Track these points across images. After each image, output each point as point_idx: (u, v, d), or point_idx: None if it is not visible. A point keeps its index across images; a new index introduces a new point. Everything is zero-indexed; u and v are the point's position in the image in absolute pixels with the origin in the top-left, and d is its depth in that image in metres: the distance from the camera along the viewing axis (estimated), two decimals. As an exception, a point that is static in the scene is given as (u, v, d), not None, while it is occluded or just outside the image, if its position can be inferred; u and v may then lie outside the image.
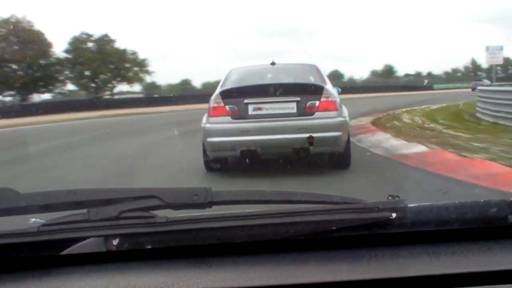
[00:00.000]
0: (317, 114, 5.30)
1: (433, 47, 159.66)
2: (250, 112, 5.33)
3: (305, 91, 5.36)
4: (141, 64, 54.19)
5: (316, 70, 6.37)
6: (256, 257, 0.93)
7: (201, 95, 33.90)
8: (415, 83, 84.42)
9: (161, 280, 0.88)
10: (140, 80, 56.43)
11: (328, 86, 5.67)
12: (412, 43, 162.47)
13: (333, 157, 5.66)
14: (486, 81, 47.02)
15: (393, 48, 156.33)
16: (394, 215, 0.90)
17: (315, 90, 5.39)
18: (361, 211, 0.91)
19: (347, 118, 5.67)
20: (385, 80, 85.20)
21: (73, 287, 0.89)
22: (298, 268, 0.88)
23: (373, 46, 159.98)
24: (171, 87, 69.14)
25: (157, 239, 0.93)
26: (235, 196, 1.02)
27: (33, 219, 1.00)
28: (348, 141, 5.60)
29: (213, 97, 5.53)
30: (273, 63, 6.39)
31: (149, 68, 55.05)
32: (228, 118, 5.35)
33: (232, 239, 0.93)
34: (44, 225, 0.94)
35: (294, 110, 5.31)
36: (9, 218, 0.99)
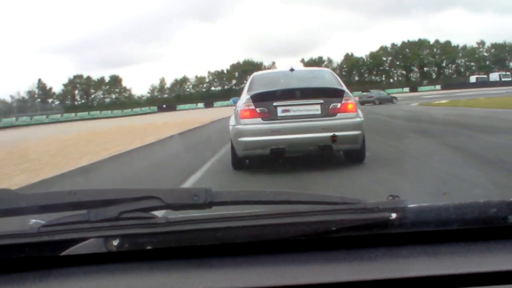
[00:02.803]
0: (339, 115, 5.82)
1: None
2: (279, 113, 5.83)
3: (327, 94, 5.91)
4: None
5: (332, 74, 7.09)
6: (256, 257, 0.93)
7: None
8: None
9: (161, 281, 0.88)
10: None
11: (346, 89, 6.18)
12: None
13: (350, 153, 6.34)
14: (381, 92, 42.26)
15: None
16: (394, 215, 0.90)
17: (337, 93, 5.95)
18: (361, 212, 0.91)
19: (363, 118, 6.19)
20: None
21: (73, 287, 0.89)
22: (298, 268, 0.88)
23: None
24: None
25: (157, 240, 0.93)
26: (235, 197, 1.02)
27: (33, 220, 1.00)
28: (363, 139, 6.14)
29: (244, 100, 6.04)
30: (292, 69, 7.00)
31: None
32: (259, 120, 5.83)
33: (232, 240, 0.93)
34: (44, 225, 0.94)
35: (319, 112, 5.82)
36: (9, 219, 0.99)
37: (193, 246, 0.94)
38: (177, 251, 0.94)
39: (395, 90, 65.01)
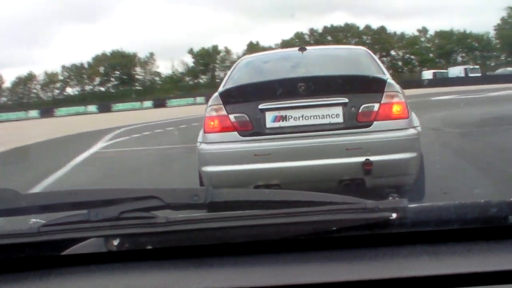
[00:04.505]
0: (376, 124, 3.26)
1: None
2: (269, 123, 3.34)
3: (356, 88, 3.34)
4: None
5: (368, 56, 4.25)
6: (257, 257, 0.93)
7: None
8: None
9: (162, 280, 0.88)
10: None
11: (391, 79, 3.57)
12: None
13: (395, 189, 3.39)
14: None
15: None
16: (394, 215, 0.90)
17: (373, 86, 3.36)
18: (361, 211, 0.91)
19: (419, 129, 3.49)
20: None
21: (73, 287, 0.90)
22: (299, 268, 0.88)
23: None
24: None
25: (157, 240, 0.93)
26: (235, 197, 1.02)
27: (34, 220, 1.00)
28: (422, 166, 3.50)
29: (210, 101, 3.54)
30: (302, 48, 4.28)
31: None
32: (235, 135, 3.36)
33: (232, 239, 0.93)
34: (44, 225, 0.94)
35: (340, 119, 3.28)
36: (9, 218, 0.99)
37: (193, 245, 0.94)
38: (177, 250, 0.95)
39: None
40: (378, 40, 68.82)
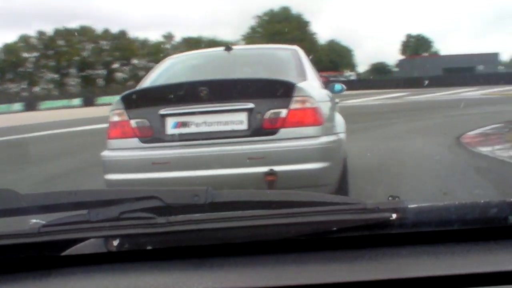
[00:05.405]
0: (282, 132, 3.07)
1: None
2: (169, 130, 3.18)
3: (263, 93, 3.13)
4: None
5: (295, 57, 4.05)
6: (257, 257, 0.93)
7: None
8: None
9: (162, 281, 0.88)
10: None
11: (308, 83, 3.44)
12: None
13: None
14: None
15: None
16: (394, 215, 0.90)
17: (281, 91, 3.11)
18: (361, 212, 0.91)
19: (342, 136, 3.44)
20: None
21: (73, 287, 0.90)
22: (299, 268, 0.88)
23: None
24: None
25: (157, 240, 0.93)
26: (236, 197, 1.02)
27: (34, 220, 1.01)
28: (345, 176, 3.38)
29: (112, 105, 3.36)
30: (228, 48, 4.16)
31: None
32: (134, 141, 3.21)
33: (233, 240, 0.93)
34: (44, 226, 0.94)
35: (244, 126, 3.12)
36: (9, 219, 0.99)
37: (193, 246, 0.94)
38: (178, 251, 0.95)
39: (49, 103, 43.83)
40: (118, 47, 61.88)
